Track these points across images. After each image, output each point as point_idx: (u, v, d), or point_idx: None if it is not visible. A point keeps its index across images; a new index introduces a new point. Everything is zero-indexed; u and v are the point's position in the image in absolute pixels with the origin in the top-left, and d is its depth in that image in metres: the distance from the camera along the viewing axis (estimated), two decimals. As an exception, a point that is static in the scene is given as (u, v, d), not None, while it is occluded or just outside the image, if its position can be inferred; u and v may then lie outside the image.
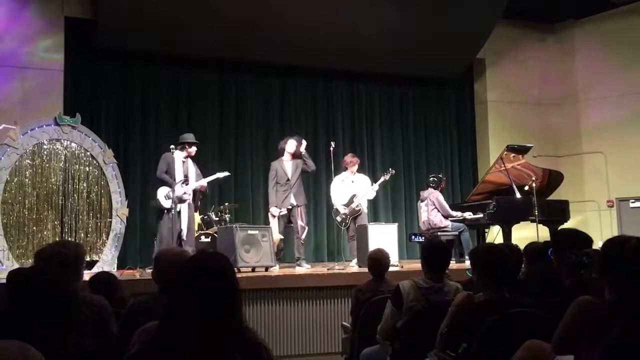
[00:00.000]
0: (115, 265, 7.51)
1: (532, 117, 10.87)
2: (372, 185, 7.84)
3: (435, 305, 3.35)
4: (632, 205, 10.25)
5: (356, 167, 7.92)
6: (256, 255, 6.68)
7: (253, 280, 6.07)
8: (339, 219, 7.70)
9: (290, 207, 7.32)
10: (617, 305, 2.10)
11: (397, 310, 3.51)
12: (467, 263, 6.39)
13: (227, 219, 8.13)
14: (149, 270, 5.87)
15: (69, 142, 7.38)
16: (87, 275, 3.82)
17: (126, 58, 8.94)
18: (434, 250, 3.69)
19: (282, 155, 7.54)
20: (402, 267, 6.90)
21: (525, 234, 7.93)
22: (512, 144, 8.17)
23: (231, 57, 9.34)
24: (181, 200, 6.78)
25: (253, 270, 6.61)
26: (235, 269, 6.18)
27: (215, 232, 7.63)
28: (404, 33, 9.26)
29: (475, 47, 10.25)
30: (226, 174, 7.36)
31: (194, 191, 7.01)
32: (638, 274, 2.10)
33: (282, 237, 7.38)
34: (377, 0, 8.90)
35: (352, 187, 7.76)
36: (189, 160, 7.07)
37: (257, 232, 6.85)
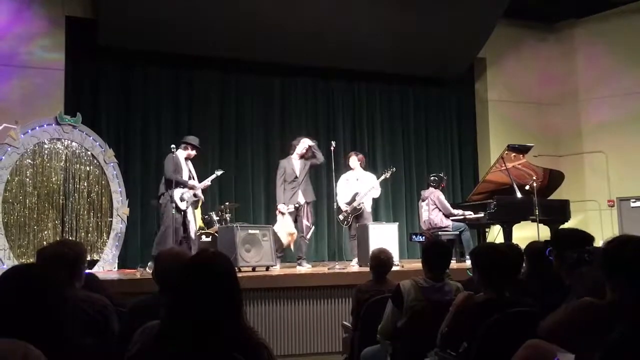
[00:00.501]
0: (116, 265, 7.52)
1: (532, 116, 10.87)
2: (379, 179, 7.78)
3: (435, 305, 3.35)
4: (632, 204, 10.25)
5: (357, 163, 7.89)
6: (257, 254, 6.68)
7: (253, 280, 6.07)
8: (341, 217, 7.71)
9: (297, 205, 7.32)
10: (617, 306, 2.10)
11: (398, 309, 3.51)
12: (468, 263, 6.38)
13: (228, 218, 8.13)
14: (149, 270, 5.88)
15: (69, 141, 7.40)
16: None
17: (127, 57, 8.94)
18: (435, 249, 3.69)
19: (292, 153, 7.54)
20: (402, 266, 6.90)
21: (526, 233, 7.92)
22: (512, 144, 8.16)
23: (231, 57, 9.34)
24: (194, 201, 6.91)
25: (253, 269, 6.61)
26: (236, 268, 6.22)
27: (216, 232, 7.63)
28: (404, 32, 9.26)
29: (475, 47, 10.24)
30: (221, 172, 7.40)
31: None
32: (639, 274, 2.10)
33: (295, 232, 7.32)
34: (377, 0, 8.90)
35: (355, 185, 7.75)
36: (189, 161, 7.11)
37: (257, 231, 6.85)
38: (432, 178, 8.24)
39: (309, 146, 7.53)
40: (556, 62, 11.15)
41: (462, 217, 7.95)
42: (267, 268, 6.73)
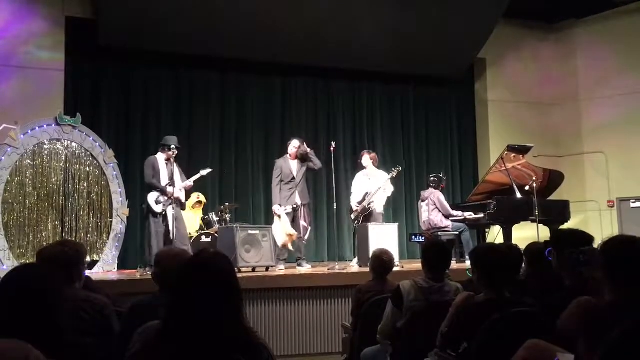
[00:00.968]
0: (116, 265, 7.52)
1: (533, 116, 10.87)
2: (386, 179, 7.71)
3: (435, 305, 3.35)
4: (632, 205, 10.25)
5: (369, 161, 7.85)
6: (257, 255, 6.68)
7: (253, 280, 6.07)
8: (353, 216, 7.72)
9: (295, 206, 7.28)
10: (617, 306, 2.10)
11: (398, 310, 3.51)
12: (468, 263, 6.38)
13: (228, 218, 8.14)
14: (149, 272, 5.88)
15: (69, 142, 7.40)
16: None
17: (127, 58, 8.94)
18: (435, 250, 3.68)
19: (288, 153, 7.50)
20: (402, 267, 6.89)
21: (526, 234, 7.92)
22: (512, 144, 8.16)
23: (232, 57, 9.34)
24: (172, 203, 6.71)
25: (253, 270, 6.61)
26: (236, 268, 6.22)
27: (216, 232, 7.63)
28: (404, 32, 9.26)
29: (476, 47, 10.24)
30: (208, 170, 7.24)
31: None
32: (639, 274, 2.10)
33: (294, 233, 7.28)
34: (377, 0, 8.90)
35: (367, 185, 7.73)
36: (173, 162, 6.93)
37: (257, 232, 6.85)
38: (431, 178, 8.24)
39: (299, 146, 7.44)
40: (556, 62, 11.15)
41: (461, 217, 7.95)
42: (267, 268, 6.73)
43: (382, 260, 4.40)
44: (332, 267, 7.06)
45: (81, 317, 2.57)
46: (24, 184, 7.07)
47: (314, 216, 9.52)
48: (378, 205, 7.66)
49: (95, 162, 7.53)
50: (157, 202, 6.70)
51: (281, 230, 7.17)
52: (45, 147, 7.27)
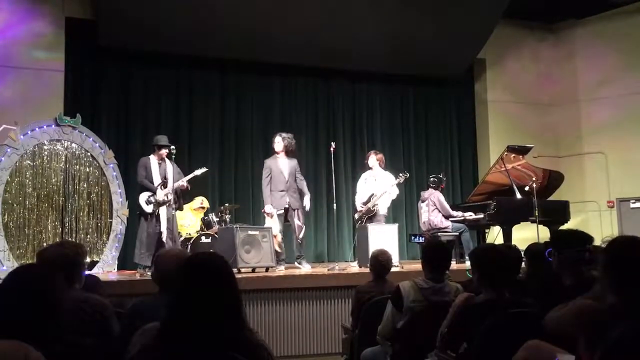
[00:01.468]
0: (116, 266, 7.52)
1: (532, 117, 10.87)
2: (393, 184, 7.70)
3: (435, 306, 3.35)
4: (632, 205, 10.25)
5: (376, 162, 7.84)
6: (256, 255, 6.67)
7: (253, 281, 6.06)
8: (356, 216, 7.73)
9: (287, 206, 7.23)
10: (617, 306, 2.09)
11: (398, 310, 3.51)
12: (468, 264, 6.38)
13: (228, 219, 8.13)
14: (149, 273, 5.88)
15: (69, 142, 7.40)
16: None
17: (127, 58, 8.94)
18: (435, 250, 3.69)
19: (278, 153, 7.38)
20: (402, 267, 6.89)
21: (526, 234, 7.93)
22: (512, 145, 8.16)
23: (231, 57, 9.34)
24: (162, 204, 6.69)
25: (253, 270, 6.61)
26: (236, 269, 6.22)
27: (216, 233, 7.63)
28: (404, 33, 9.26)
29: (475, 47, 10.25)
30: (204, 170, 7.19)
31: (176, 191, 6.86)
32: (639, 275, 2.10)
33: (281, 235, 7.26)
34: (377, 0, 8.91)
35: (373, 186, 7.72)
36: (167, 162, 6.89)
37: (257, 232, 6.84)
38: (431, 179, 8.24)
39: (282, 138, 7.34)
40: (556, 62, 11.15)
41: (461, 218, 7.95)
42: (267, 269, 6.73)
43: (379, 261, 4.41)
44: (332, 267, 7.06)
45: (81, 318, 2.57)
46: (23, 185, 7.07)
47: (314, 216, 9.53)
48: (382, 206, 7.66)
49: (95, 162, 7.53)
50: (148, 202, 6.69)
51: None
52: (45, 147, 7.26)
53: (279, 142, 7.34)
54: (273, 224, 7.14)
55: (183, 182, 6.89)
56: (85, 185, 7.43)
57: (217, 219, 8.11)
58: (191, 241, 7.62)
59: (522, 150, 8.18)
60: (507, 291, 2.99)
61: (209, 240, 7.71)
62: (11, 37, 8.05)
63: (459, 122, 11.06)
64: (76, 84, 8.70)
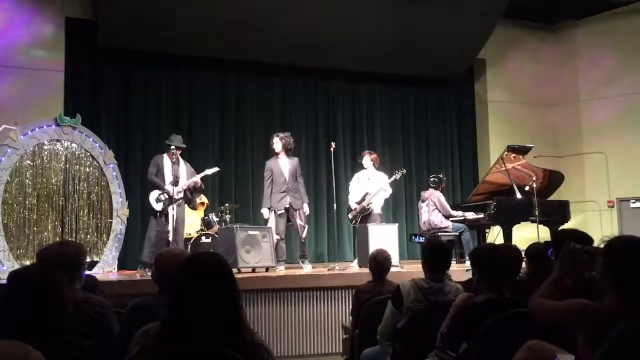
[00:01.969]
0: (116, 266, 7.52)
1: (532, 117, 10.87)
2: (389, 181, 7.72)
3: (435, 306, 3.35)
4: (632, 205, 10.25)
5: (370, 162, 7.85)
6: (256, 255, 6.68)
7: (253, 281, 6.07)
8: (350, 216, 7.72)
9: (287, 206, 7.23)
10: (617, 306, 2.09)
11: (398, 310, 3.51)
12: (468, 263, 6.38)
13: (228, 219, 8.13)
14: (149, 273, 5.87)
15: (69, 142, 7.39)
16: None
17: (127, 58, 8.94)
18: (435, 250, 3.68)
19: (278, 154, 7.39)
20: (402, 267, 6.90)
21: (526, 234, 7.93)
22: (512, 144, 8.16)
23: (231, 57, 9.34)
24: (172, 202, 6.71)
25: (253, 270, 6.61)
26: (236, 269, 6.22)
27: (216, 233, 7.63)
28: (404, 33, 9.26)
29: (475, 47, 10.24)
30: (215, 169, 7.22)
31: (189, 189, 6.91)
32: (639, 275, 2.10)
33: (281, 237, 7.24)
34: (377, 0, 8.91)
35: (367, 185, 7.73)
36: (180, 162, 6.94)
37: (257, 232, 6.84)
38: (431, 179, 8.24)
39: (279, 138, 7.36)
40: (556, 62, 11.15)
41: (462, 218, 7.95)
42: (267, 269, 6.73)
43: (378, 261, 4.42)
44: (332, 267, 7.06)
45: (81, 318, 2.57)
46: (23, 185, 7.07)
47: (314, 216, 9.53)
48: (376, 206, 7.66)
49: (95, 162, 7.52)
50: (158, 201, 6.71)
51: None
52: (45, 147, 7.26)
53: (277, 143, 7.36)
54: (273, 224, 7.15)
55: (197, 179, 6.91)
56: (85, 185, 7.43)
57: (217, 219, 8.12)
58: (191, 241, 7.62)
59: (522, 150, 8.17)
60: (507, 291, 2.98)
61: (209, 240, 7.71)
62: (11, 37, 8.04)
63: (459, 122, 11.06)
64: (76, 84, 8.70)
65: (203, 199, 8.33)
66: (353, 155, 10.07)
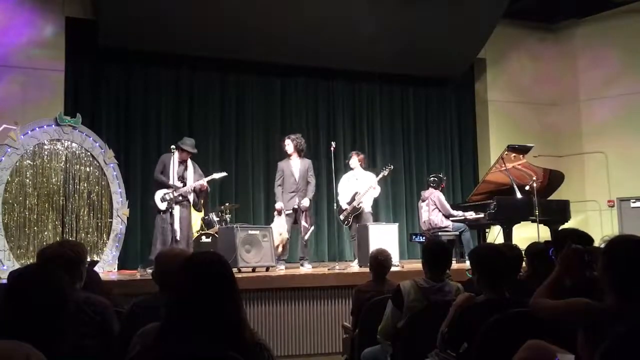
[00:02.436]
0: (116, 266, 7.52)
1: (533, 116, 10.88)
2: (377, 178, 7.75)
3: (436, 305, 3.35)
4: (633, 205, 10.25)
5: (358, 162, 7.88)
6: (257, 255, 6.67)
7: (254, 281, 6.06)
8: (341, 217, 7.72)
9: (296, 206, 7.30)
10: (618, 305, 2.10)
11: (398, 310, 3.51)
12: (468, 263, 6.38)
13: (228, 219, 8.14)
14: (149, 270, 5.87)
15: (69, 142, 7.39)
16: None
17: (127, 58, 8.95)
18: (435, 250, 3.68)
19: (290, 155, 7.51)
20: (402, 267, 6.90)
21: (526, 234, 7.92)
22: (512, 144, 8.16)
23: (232, 57, 9.34)
24: (176, 202, 6.73)
25: (254, 270, 6.61)
26: (236, 269, 6.22)
27: (216, 232, 7.63)
28: (404, 33, 9.27)
29: (476, 47, 10.25)
30: (223, 174, 7.28)
31: (195, 191, 6.96)
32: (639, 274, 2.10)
33: (288, 236, 7.31)
34: (378, 0, 8.90)
35: (355, 185, 7.75)
36: (189, 163, 6.97)
37: (257, 232, 6.84)
38: (432, 179, 8.24)
39: (291, 140, 7.47)
40: (556, 62, 11.15)
41: (462, 217, 7.95)
42: (267, 269, 6.73)
43: (379, 260, 4.41)
44: (332, 267, 7.07)
45: (81, 319, 2.57)
46: (24, 185, 7.07)
47: (315, 216, 9.52)
48: (367, 205, 7.69)
49: (95, 162, 7.52)
50: (163, 200, 6.74)
51: (276, 229, 7.21)
52: (45, 147, 7.26)
53: (289, 145, 7.46)
54: (281, 222, 7.18)
55: (203, 182, 6.95)
56: (85, 185, 7.43)
57: (218, 219, 8.12)
58: (192, 241, 7.62)
59: (522, 150, 8.18)
60: (507, 291, 2.98)
61: (209, 239, 7.72)
62: (11, 36, 8.04)
63: (459, 121, 11.06)
64: (76, 84, 8.70)
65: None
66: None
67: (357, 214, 7.63)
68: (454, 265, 6.77)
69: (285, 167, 7.45)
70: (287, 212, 7.29)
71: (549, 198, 8.22)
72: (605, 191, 10.41)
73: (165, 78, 9.29)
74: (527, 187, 7.76)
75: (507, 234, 7.62)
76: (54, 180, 7.25)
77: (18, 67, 8.02)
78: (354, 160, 7.91)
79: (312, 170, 7.60)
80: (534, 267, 3.63)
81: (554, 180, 8.36)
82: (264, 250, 6.73)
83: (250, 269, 6.59)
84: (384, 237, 7.07)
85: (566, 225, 7.89)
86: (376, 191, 7.79)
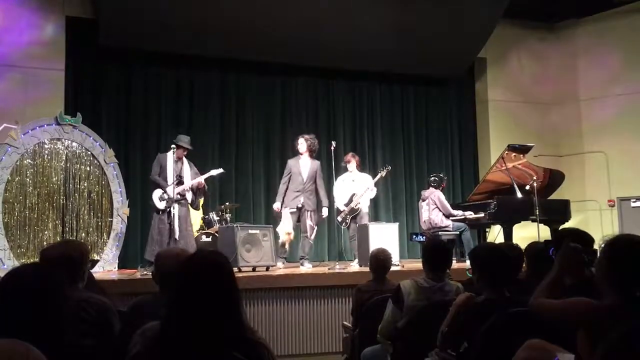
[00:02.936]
0: (116, 265, 7.52)
1: (533, 116, 10.87)
2: (375, 179, 7.83)
3: (436, 305, 3.35)
4: (633, 204, 10.25)
5: (354, 165, 7.91)
6: (257, 254, 6.68)
7: (254, 280, 6.07)
8: (339, 218, 7.74)
9: (299, 205, 7.33)
10: (618, 305, 2.10)
11: (398, 309, 3.51)
12: (468, 263, 6.38)
13: (228, 218, 8.14)
14: (149, 270, 5.87)
15: (70, 141, 7.40)
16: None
17: (127, 57, 8.95)
18: (435, 249, 3.68)
19: (301, 154, 7.55)
20: (403, 266, 6.90)
21: (526, 233, 7.92)
22: (513, 144, 8.16)
23: (232, 57, 9.34)
24: (174, 201, 6.71)
25: (254, 269, 6.61)
26: (236, 268, 6.22)
27: (216, 232, 7.63)
28: (404, 32, 9.26)
29: (476, 46, 10.24)
30: (220, 171, 7.26)
31: (192, 189, 6.94)
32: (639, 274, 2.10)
33: (292, 232, 7.34)
34: (377, 0, 8.90)
35: (352, 186, 7.78)
36: (184, 161, 6.94)
37: (258, 231, 6.85)
38: (432, 178, 8.24)
39: (304, 139, 7.53)
40: (557, 62, 11.15)
41: (462, 217, 7.95)
42: (268, 268, 6.73)
43: (379, 260, 4.42)
44: (333, 266, 7.07)
45: (82, 318, 2.57)
46: (24, 184, 7.07)
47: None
48: (364, 205, 7.74)
49: (95, 161, 7.53)
50: (161, 199, 6.73)
51: (282, 228, 7.23)
52: (46, 146, 7.26)
53: (302, 144, 7.53)
54: (287, 221, 7.23)
55: (201, 179, 6.94)
56: (85, 184, 7.43)
57: (218, 218, 8.12)
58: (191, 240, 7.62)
59: (522, 150, 8.17)
60: (507, 290, 2.98)
61: (209, 239, 7.72)
62: (12, 36, 8.05)
63: (459, 121, 11.06)
64: (76, 83, 8.71)
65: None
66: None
67: (354, 215, 7.66)
68: (454, 264, 6.77)
69: (294, 165, 7.50)
70: (291, 210, 7.32)
71: (549, 198, 8.22)
72: (605, 191, 10.41)
73: (166, 78, 9.30)
74: (527, 187, 7.76)
75: (507, 234, 7.62)
76: (54, 179, 7.25)
77: (18, 66, 8.02)
78: (351, 162, 7.93)
79: (321, 172, 7.65)
80: (534, 267, 3.63)
81: (555, 179, 8.36)
82: (264, 249, 6.74)
83: (250, 269, 6.60)
84: (384, 236, 7.08)
85: (566, 225, 7.89)
86: (373, 192, 7.83)
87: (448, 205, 8.00)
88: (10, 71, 7.99)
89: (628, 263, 2.13)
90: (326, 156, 9.05)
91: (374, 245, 6.39)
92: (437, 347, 3.04)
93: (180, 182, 6.82)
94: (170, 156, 6.86)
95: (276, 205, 7.46)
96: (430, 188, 8.12)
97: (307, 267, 7.18)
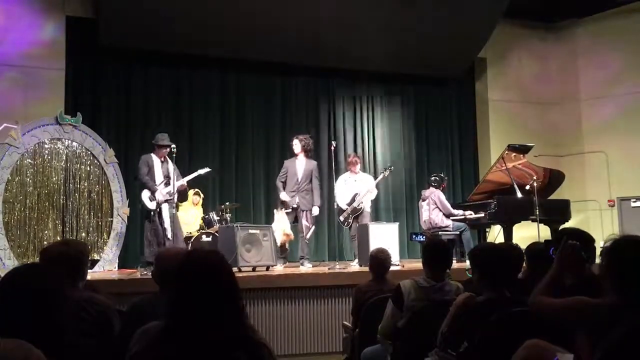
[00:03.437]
0: (117, 265, 7.53)
1: (533, 116, 10.87)
2: (377, 179, 7.87)
3: (436, 305, 3.34)
4: (633, 204, 10.25)
5: (357, 166, 7.94)
6: (257, 254, 6.68)
7: (254, 280, 6.06)
8: (341, 218, 7.75)
9: (295, 206, 7.34)
10: (619, 305, 2.09)
11: (398, 309, 3.51)
12: (468, 263, 6.38)
13: (228, 218, 8.14)
14: (147, 272, 5.88)
15: (70, 141, 7.40)
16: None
17: (127, 57, 8.95)
18: (435, 249, 3.68)
19: (297, 155, 7.58)
20: (403, 266, 6.90)
21: (526, 233, 7.92)
22: (513, 144, 8.16)
23: (232, 56, 9.35)
24: (165, 201, 6.71)
25: (254, 269, 6.61)
26: (236, 268, 6.22)
27: (216, 232, 7.64)
28: (404, 32, 9.26)
29: (476, 46, 10.24)
30: (206, 169, 7.29)
31: (178, 191, 6.88)
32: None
33: (290, 233, 7.34)
34: (378, 0, 8.90)
35: (354, 187, 7.78)
36: (169, 160, 6.91)
37: (258, 231, 6.85)
38: (432, 178, 8.24)
39: (299, 140, 7.56)
40: (557, 61, 11.15)
41: (462, 217, 7.95)
42: (268, 268, 6.73)
43: (378, 259, 4.41)
44: (333, 266, 7.07)
45: (82, 318, 2.57)
46: (24, 183, 7.07)
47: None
48: (366, 205, 7.76)
49: (95, 161, 7.53)
50: (151, 200, 6.72)
51: (280, 229, 7.23)
52: (46, 146, 7.27)
53: (296, 144, 7.56)
54: (283, 221, 7.22)
55: (183, 182, 6.95)
56: (85, 184, 7.43)
57: (218, 218, 8.13)
58: (192, 240, 7.64)
59: (522, 149, 8.17)
60: (507, 290, 2.98)
61: (209, 239, 7.72)
62: (12, 36, 8.05)
63: (459, 121, 11.06)
64: (77, 83, 8.71)
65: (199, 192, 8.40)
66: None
67: (357, 215, 7.66)
68: (454, 264, 6.77)
69: (290, 166, 7.53)
70: (286, 211, 7.33)
71: (549, 197, 8.22)
72: (605, 191, 10.41)
73: (166, 77, 9.30)
74: (527, 187, 7.76)
75: (508, 234, 7.61)
76: (54, 179, 7.25)
77: (19, 66, 8.03)
78: (358, 167, 7.98)
79: (318, 172, 7.66)
80: (534, 267, 3.63)
81: (555, 179, 8.35)
82: (264, 249, 6.74)
83: (250, 268, 6.59)
84: (384, 236, 7.08)
85: (567, 225, 7.89)
86: (373, 194, 7.87)
87: (448, 205, 8.00)
88: (10, 71, 7.99)
89: (629, 264, 2.13)
90: (326, 156, 9.07)
91: (374, 245, 6.39)
92: (437, 347, 3.04)
93: (168, 182, 6.80)
94: (154, 156, 6.84)
95: (283, 195, 7.42)
96: (431, 188, 8.12)
97: (307, 267, 7.19)
